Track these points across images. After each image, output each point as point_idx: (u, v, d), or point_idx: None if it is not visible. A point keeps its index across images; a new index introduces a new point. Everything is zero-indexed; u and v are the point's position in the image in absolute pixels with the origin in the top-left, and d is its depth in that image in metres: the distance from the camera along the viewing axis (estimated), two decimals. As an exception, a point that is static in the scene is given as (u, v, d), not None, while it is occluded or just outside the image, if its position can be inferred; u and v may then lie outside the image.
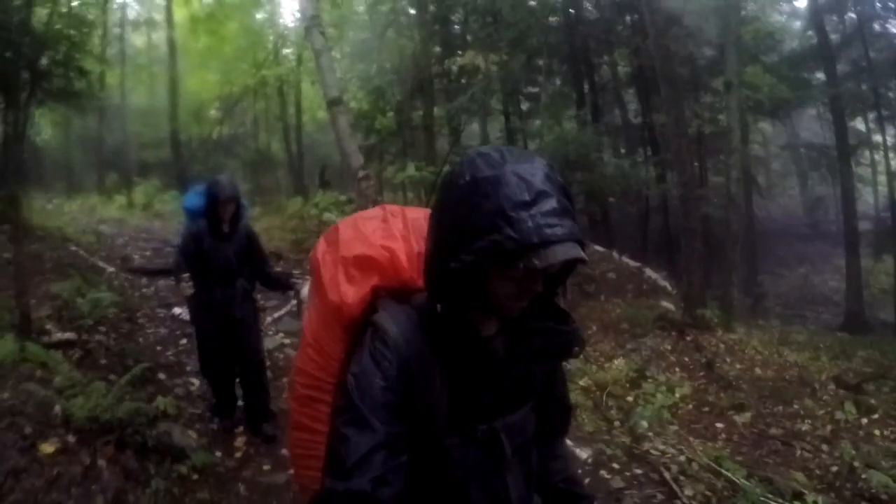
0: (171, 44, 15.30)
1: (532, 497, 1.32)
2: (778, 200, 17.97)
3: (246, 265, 4.24)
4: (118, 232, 11.50)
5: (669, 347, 7.58)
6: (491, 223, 0.98)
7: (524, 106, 15.70)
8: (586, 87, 14.33)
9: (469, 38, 14.68)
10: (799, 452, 5.27)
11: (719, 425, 5.81)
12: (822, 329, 11.67)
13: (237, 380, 4.34)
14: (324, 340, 1.28)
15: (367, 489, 0.99)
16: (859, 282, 12.84)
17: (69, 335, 4.72)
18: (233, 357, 4.21)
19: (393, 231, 1.31)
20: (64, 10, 6.50)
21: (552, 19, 12.67)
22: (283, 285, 4.52)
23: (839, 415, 5.93)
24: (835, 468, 4.89)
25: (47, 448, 3.21)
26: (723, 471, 4.35)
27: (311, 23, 7.11)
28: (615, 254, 12.17)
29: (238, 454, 3.88)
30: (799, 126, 17.07)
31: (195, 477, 3.41)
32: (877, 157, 14.84)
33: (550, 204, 0.99)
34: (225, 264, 4.09)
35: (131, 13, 17.50)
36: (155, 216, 14.36)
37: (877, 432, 5.84)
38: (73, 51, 5.87)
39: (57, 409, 3.53)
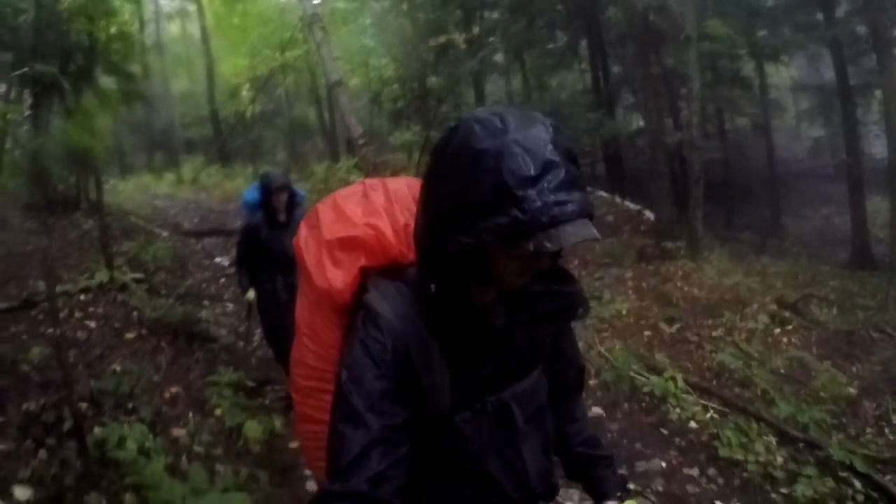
0: (205, 32, 17.66)
1: (551, 464, 1.35)
2: (804, 142, 18.78)
3: None
4: (170, 205, 13.96)
5: (631, 275, 9.22)
6: (495, 202, 0.95)
7: (538, 62, 17.12)
8: (587, 42, 15.70)
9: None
10: (702, 352, 6.92)
11: (647, 333, 7.45)
12: (820, 264, 12.80)
13: None
14: (318, 328, 1.29)
15: (365, 489, 1.01)
16: (864, 220, 13.77)
17: (139, 275, 6.87)
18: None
19: (375, 206, 1.30)
20: (113, 30, 8.58)
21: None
22: None
23: (751, 325, 7.49)
24: (733, 366, 6.48)
25: (129, 335, 5.33)
26: (609, 357, 6.12)
27: (312, 19, 8.96)
28: (617, 198, 13.68)
29: (255, 343, 5.95)
30: (823, 66, 17.75)
31: (223, 354, 5.48)
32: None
33: (558, 176, 0.96)
34: (283, 252, 4.32)
35: (165, 5, 19.98)
36: (201, 189, 16.84)
37: (784, 339, 7.38)
38: (122, 61, 7.91)
39: (134, 314, 5.68)
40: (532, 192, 0.94)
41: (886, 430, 5.40)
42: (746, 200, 17.67)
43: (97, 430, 3.50)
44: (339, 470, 1.03)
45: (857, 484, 4.18)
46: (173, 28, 21.74)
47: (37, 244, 6.66)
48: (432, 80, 12.32)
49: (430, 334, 1.14)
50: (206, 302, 7.01)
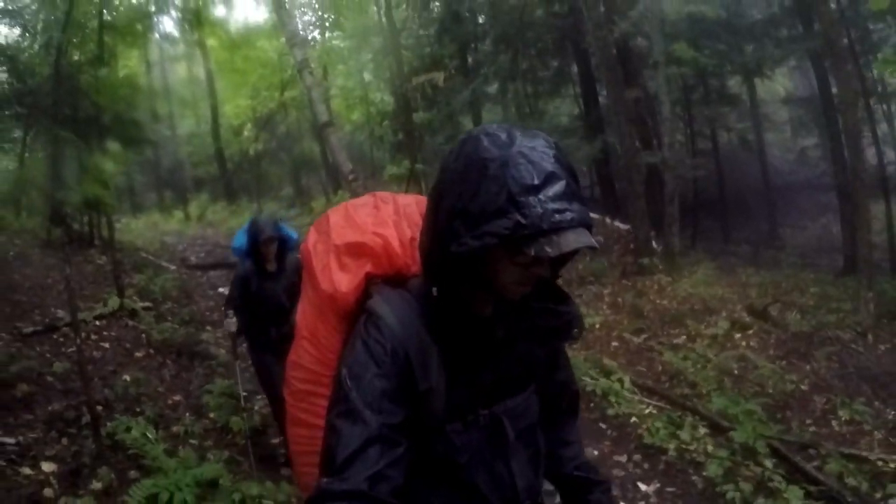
0: (209, 74, 19.08)
1: (540, 481, 1.39)
2: (801, 153, 19.43)
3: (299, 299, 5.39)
4: (178, 241, 15.07)
5: (609, 291, 9.99)
6: (498, 208, 1.03)
7: (530, 89, 18.13)
8: (577, 69, 16.69)
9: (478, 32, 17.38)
10: (661, 358, 7.61)
11: (615, 343, 8.20)
12: (812, 273, 13.37)
13: None
14: (320, 332, 1.35)
15: (364, 488, 1.04)
16: (854, 228, 14.33)
17: (147, 304, 7.83)
18: None
19: (384, 217, 1.37)
20: (121, 74, 9.68)
21: (538, 13, 15.06)
22: None
23: (711, 331, 8.19)
24: (686, 368, 7.16)
25: (138, 354, 6.26)
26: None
27: (302, 65, 10.00)
28: (608, 219, 14.46)
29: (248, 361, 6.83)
30: (814, 78, 18.49)
31: (219, 368, 6.37)
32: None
33: (559, 187, 1.04)
34: (275, 303, 4.32)
35: (170, 49, 21.48)
36: (208, 225, 18.03)
37: (743, 343, 8.05)
38: (127, 110, 8.97)
39: (143, 336, 6.61)
40: (533, 200, 1.01)
41: (833, 423, 5.93)
42: (744, 214, 18.31)
43: (109, 424, 4.39)
44: (336, 466, 1.06)
45: (769, 464, 4.79)
46: (180, 71, 23.27)
47: (56, 277, 7.67)
48: (420, 115, 13.33)
49: (430, 340, 1.19)
50: (208, 327, 7.91)
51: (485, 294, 1.20)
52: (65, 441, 4.15)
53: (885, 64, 6.49)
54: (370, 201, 1.45)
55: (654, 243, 11.13)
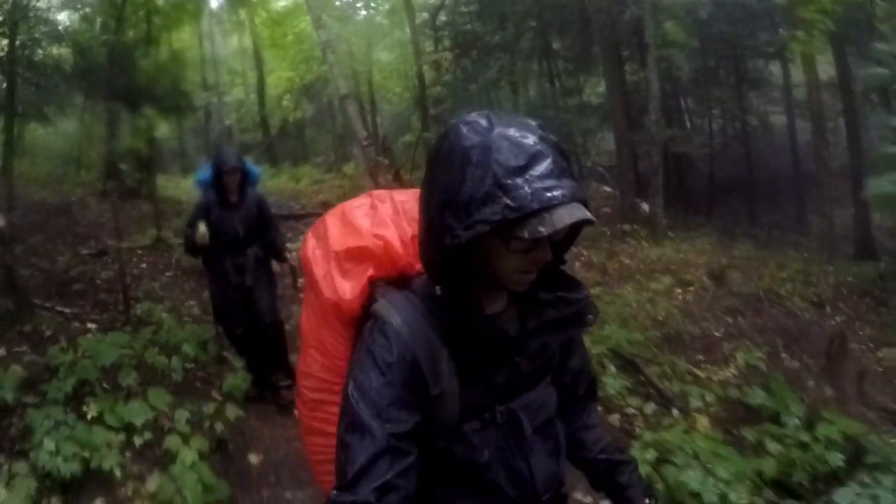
0: (256, 48, 21.58)
1: (562, 471, 1.44)
2: (838, 140, 20.04)
3: (257, 233, 4.82)
4: (220, 198, 17.47)
5: (586, 252, 11.60)
6: (486, 193, 1.05)
7: (560, 67, 19.58)
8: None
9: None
10: (600, 303, 9.11)
11: (571, 295, 9.79)
12: (811, 255, 14.42)
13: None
14: (326, 340, 1.40)
15: (372, 499, 1.08)
16: (866, 214, 15.29)
17: (180, 240, 10.06)
18: (248, 322, 4.90)
19: (382, 217, 1.40)
20: (174, 47, 11.92)
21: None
22: (276, 256, 5.00)
23: (655, 286, 9.72)
24: (612, 312, 8.60)
25: (168, 274, 8.44)
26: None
27: (325, 45, 11.93)
28: (618, 192, 15.91)
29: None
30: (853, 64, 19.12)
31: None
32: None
33: (545, 165, 1.06)
34: (232, 234, 4.67)
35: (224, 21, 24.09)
36: (249, 185, 20.50)
37: (681, 297, 9.52)
38: (176, 81, 11.22)
39: (174, 262, 8.82)
40: (520, 181, 1.04)
41: (731, 366, 7.05)
42: (774, 199, 19.16)
43: (137, 307, 6.54)
44: (347, 481, 1.11)
45: (613, 368, 6.27)
46: (233, 42, 25.92)
47: (108, 218, 10.01)
48: (436, 90, 15.07)
49: (439, 342, 1.22)
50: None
51: (490, 289, 1.26)
52: (104, 315, 6.33)
53: (800, 44, 7.69)
54: (367, 201, 1.48)
55: (646, 211, 12.54)
